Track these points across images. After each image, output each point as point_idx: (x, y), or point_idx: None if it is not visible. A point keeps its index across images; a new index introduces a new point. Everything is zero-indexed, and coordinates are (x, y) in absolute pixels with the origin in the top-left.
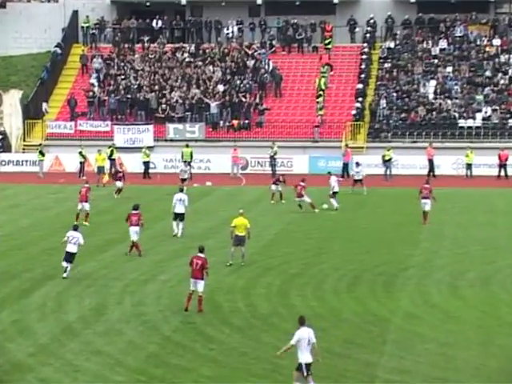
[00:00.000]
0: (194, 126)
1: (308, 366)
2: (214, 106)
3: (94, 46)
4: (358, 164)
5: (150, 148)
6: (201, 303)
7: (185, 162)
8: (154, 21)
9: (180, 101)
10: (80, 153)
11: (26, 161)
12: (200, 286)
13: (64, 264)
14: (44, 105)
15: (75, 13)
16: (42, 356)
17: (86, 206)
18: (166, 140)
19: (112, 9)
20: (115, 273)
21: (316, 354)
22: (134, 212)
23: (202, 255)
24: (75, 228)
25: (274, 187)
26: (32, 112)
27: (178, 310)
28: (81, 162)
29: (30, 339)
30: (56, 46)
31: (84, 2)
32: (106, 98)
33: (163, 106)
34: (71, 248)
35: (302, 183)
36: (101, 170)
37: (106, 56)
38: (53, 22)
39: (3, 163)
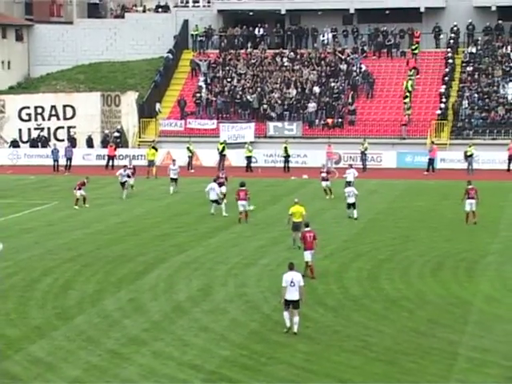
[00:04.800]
0: (292, 124)
1: (292, 302)
2: (310, 106)
3: (202, 52)
4: (350, 166)
5: (251, 144)
6: (312, 271)
7: (284, 157)
8: (257, 29)
9: (279, 101)
10: (188, 148)
11: (141, 155)
12: (308, 256)
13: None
14: (157, 105)
15: (185, 22)
16: (154, 331)
17: (80, 192)
18: (266, 137)
19: (219, 18)
20: (220, 257)
21: (301, 294)
22: (241, 188)
23: (308, 228)
24: (215, 180)
25: (323, 184)
26: (146, 111)
27: (277, 291)
28: (189, 156)
29: (144, 316)
30: (168, 52)
31: (193, 12)
32: (213, 98)
33: (264, 106)
34: (213, 196)
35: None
36: (151, 163)
37: (213, 61)
38: (165, 30)
39: (120, 157)
